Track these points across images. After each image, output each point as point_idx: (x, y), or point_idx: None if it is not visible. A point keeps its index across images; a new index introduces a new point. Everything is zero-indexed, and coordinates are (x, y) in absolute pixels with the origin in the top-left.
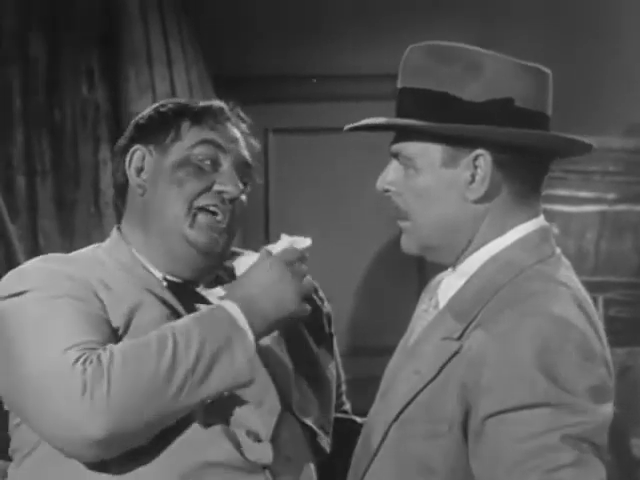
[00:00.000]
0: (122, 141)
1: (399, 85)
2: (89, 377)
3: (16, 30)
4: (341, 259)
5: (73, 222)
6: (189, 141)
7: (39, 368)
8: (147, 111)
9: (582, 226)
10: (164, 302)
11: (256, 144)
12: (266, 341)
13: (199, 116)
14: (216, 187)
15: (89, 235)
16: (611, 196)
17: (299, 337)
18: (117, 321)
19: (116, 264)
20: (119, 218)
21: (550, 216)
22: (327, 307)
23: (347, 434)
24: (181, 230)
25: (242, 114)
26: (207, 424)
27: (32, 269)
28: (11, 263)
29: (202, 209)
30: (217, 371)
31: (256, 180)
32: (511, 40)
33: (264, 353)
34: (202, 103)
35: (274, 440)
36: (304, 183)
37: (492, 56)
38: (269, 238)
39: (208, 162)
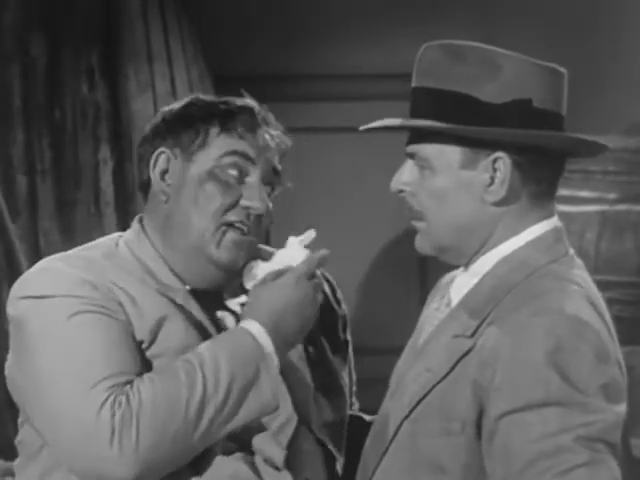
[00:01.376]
0: (148, 134)
1: (413, 84)
2: (117, 424)
3: (16, 29)
4: (342, 258)
5: (73, 221)
6: (217, 150)
7: (66, 405)
8: (176, 107)
9: (583, 226)
10: (187, 312)
11: (287, 143)
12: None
13: (229, 121)
14: (242, 202)
15: (89, 234)
16: (612, 196)
17: (317, 346)
18: (142, 334)
19: (138, 265)
20: (120, 218)
21: None
22: (344, 309)
23: (355, 431)
24: (206, 249)
25: (270, 115)
26: (224, 448)
27: (59, 272)
28: (11, 263)
29: (229, 226)
30: (245, 405)
31: (286, 184)
32: (512, 39)
33: (282, 363)
34: (232, 104)
35: (293, 460)
36: (306, 182)
37: (510, 56)
38: (270, 236)
39: (235, 174)
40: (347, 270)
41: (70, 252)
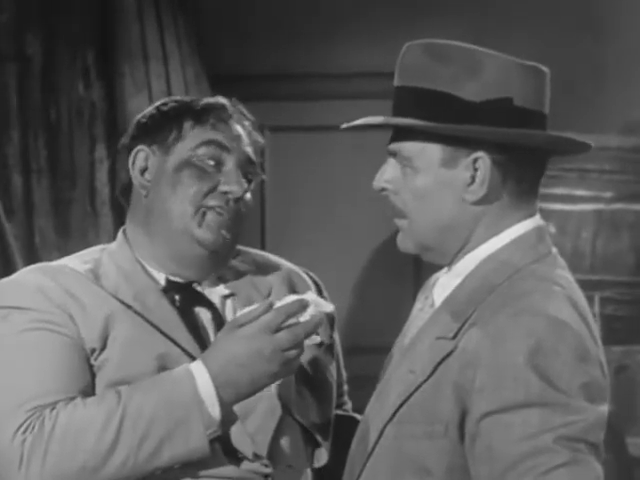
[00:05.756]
0: (125, 140)
1: (396, 83)
2: (26, 450)
3: (12, 28)
4: (337, 257)
5: (69, 221)
6: (192, 141)
7: None
8: (149, 110)
9: (578, 225)
10: (138, 315)
11: (260, 139)
12: None
13: (201, 115)
14: (221, 187)
15: (85, 234)
16: (608, 195)
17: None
18: (92, 342)
19: (117, 270)
20: (116, 217)
21: (546, 215)
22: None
23: (347, 432)
24: (190, 230)
25: (244, 110)
26: (211, 442)
27: (17, 284)
28: (7, 262)
29: (210, 209)
30: (170, 448)
31: (260, 176)
32: (508, 38)
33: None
34: (204, 101)
35: (275, 447)
36: (301, 181)
37: (491, 55)
38: (265, 235)
39: (212, 163)
40: (342, 269)
41: (61, 260)
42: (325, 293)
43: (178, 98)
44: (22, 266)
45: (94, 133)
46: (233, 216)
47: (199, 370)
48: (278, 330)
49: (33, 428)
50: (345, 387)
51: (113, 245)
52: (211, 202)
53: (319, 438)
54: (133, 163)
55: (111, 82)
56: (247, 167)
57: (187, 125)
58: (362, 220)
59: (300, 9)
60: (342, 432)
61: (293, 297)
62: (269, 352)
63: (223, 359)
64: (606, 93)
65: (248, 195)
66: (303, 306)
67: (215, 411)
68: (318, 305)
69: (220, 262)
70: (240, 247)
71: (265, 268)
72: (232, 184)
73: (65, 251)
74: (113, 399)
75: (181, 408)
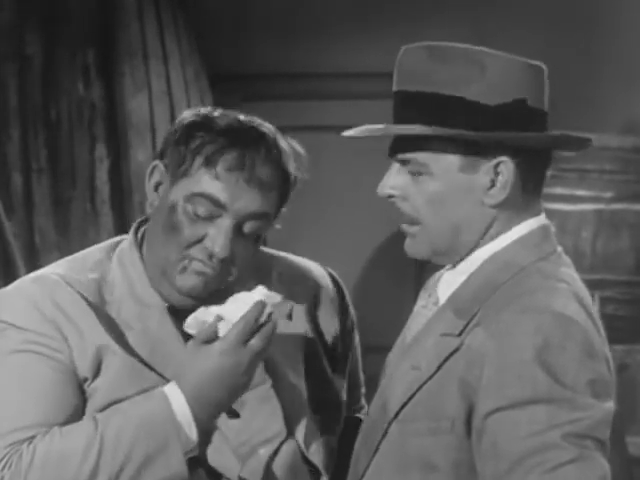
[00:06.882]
0: (161, 145)
1: (396, 88)
2: None
3: (12, 27)
4: (338, 258)
5: (69, 220)
6: (193, 185)
7: None
8: (184, 116)
9: (579, 224)
10: (128, 349)
11: (288, 185)
12: (283, 360)
13: (213, 157)
14: (205, 242)
15: (85, 233)
16: (608, 194)
17: (316, 359)
18: (85, 371)
19: (123, 281)
20: (116, 216)
21: (547, 214)
22: (352, 314)
23: (353, 433)
24: (170, 275)
25: (281, 145)
26: (193, 466)
27: (15, 298)
28: (7, 261)
29: (193, 259)
30: (150, 473)
31: (265, 232)
32: (508, 36)
33: (278, 374)
34: (230, 134)
35: (274, 473)
36: (299, 181)
37: (497, 56)
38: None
39: (204, 215)
40: (343, 270)
41: (59, 264)
42: (347, 298)
43: (216, 118)
44: (22, 265)
45: (94, 132)
46: (217, 273)
47: (173, 393)
48: (250, 338)
49: (11, 465)
50: (363, 390)
51: (125, 244)
52: (194, 254)
53: (323, 471)
54: (150, 177)
55: (111, 81)
56: (250, 223)
57: (197, 162)
58: (363, 220)
59: (300, 9)
60: (351, 432)
61: (243, 296)
62: (247, 363)
63: (197, 379)
64: (606, 93)
65: (248, 249)
66: (263, 307)
67: (192, 433)
68: (269, 298)
69: (205, 297)
70: (268, 250)
71: (296, 278)
72: (215, 245)
73: (66, 250)
74: (90, 426)
75: (158, 433)
